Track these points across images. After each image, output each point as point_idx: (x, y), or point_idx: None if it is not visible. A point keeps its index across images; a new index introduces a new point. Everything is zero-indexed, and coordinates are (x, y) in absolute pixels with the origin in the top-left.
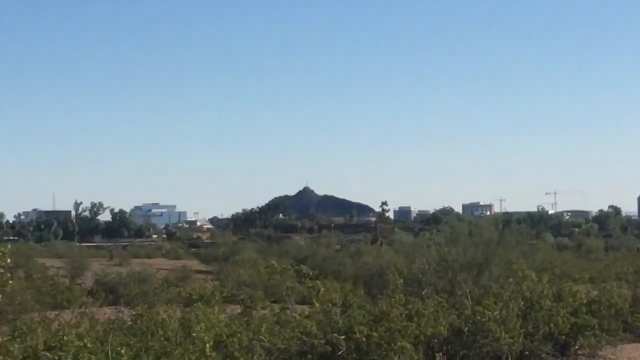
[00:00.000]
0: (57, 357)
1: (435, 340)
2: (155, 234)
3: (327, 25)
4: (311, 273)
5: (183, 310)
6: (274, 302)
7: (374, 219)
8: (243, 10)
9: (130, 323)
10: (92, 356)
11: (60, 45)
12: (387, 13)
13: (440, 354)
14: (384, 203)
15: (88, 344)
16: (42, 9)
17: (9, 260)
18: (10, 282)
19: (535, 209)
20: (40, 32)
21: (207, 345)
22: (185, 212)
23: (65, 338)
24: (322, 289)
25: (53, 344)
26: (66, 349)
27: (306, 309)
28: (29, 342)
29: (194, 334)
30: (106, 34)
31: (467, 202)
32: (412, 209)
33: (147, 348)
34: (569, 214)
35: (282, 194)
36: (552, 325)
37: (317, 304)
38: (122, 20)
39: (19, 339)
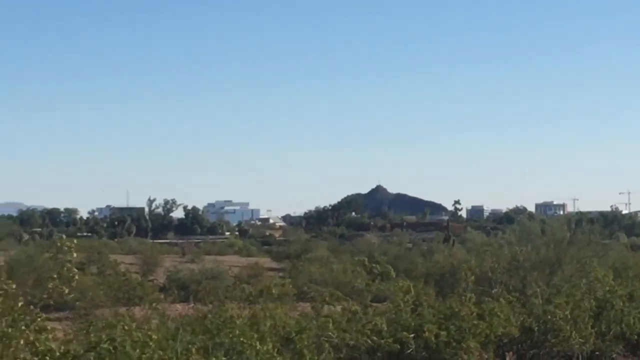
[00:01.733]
0: (116, 350)
1: (506, 340)
2: (227, 231)
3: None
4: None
5: (252, 308)
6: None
7: (446, 217)
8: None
9: (200, 320)
10: (160, 352)
11: (143, 45)
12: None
13: (511, 353)
14: (457, 202)
15: (153, 339)
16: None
17: (75, 255)
18: (77, 277)
19: (608, 209)
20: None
21: (264, 347)
22: (258, 210)
23: (129, 331)
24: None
25: (119, 338)
26: (128, 343)
27: (378, 306)
28: (94, 337)
29: (243, 339)
30: (191, 32)
31: (540, 201)
32: (484, 208)
33: (216, 344)
34: None
35: (354, 192)
36: (623, 325)
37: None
38: (215, 20)
39: (92, 335)
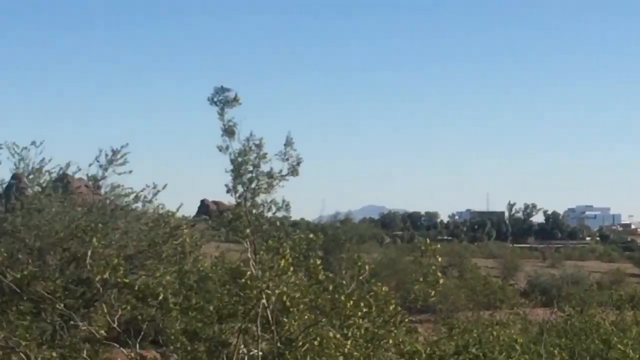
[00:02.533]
0: (485, 356)
1: None
2: (588, 237)
3: None
4: None
5: (618, 314)
6: None
7: None
8: None
9: (564, 324)
10: (526, 356)
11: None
12: None
13: None
14: None
15: (519, 342)
16: None
17: (440, 259)
18: (441, 281)
19: None
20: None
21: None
22: (619, 215)
23: (496, 335)
24: None
25: (484, 341)
26: (494, 346)
27: None
28: (461, 340)
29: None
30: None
31: None
32: None
33: (582, 350)
34: None
35: None
36: None
37: None
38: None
39: (455, 337)
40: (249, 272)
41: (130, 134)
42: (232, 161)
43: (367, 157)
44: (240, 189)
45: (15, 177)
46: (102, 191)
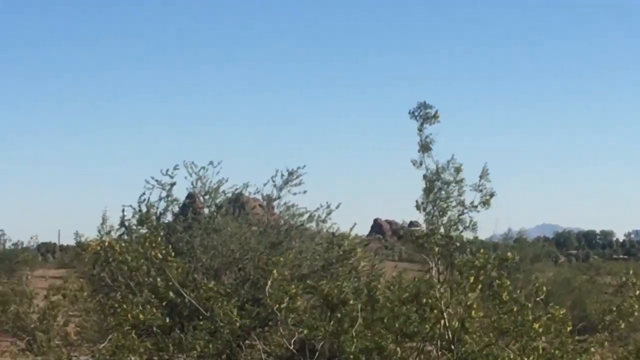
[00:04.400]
0: None
1: None
2: None
3: None
4: None
5: None
6: None
7: None
8: None
9: None
10: None
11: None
12: None
13: None
14: None
15: None
16: None
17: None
18: (637, 313)
19: None
20: None
21: None
22: None
23: None
24: None
25: None
26: None
27: None
28: None
29: None
30: None
31: None
32: None
33: None
34: None
35: None
36: None
37: None
38: None
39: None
40: (432, 292)
41: (304, 152)
42: (424, 176)
43: (542, 175)
44: (429, 206)
45: (190, 196)
46: (276, 211)
